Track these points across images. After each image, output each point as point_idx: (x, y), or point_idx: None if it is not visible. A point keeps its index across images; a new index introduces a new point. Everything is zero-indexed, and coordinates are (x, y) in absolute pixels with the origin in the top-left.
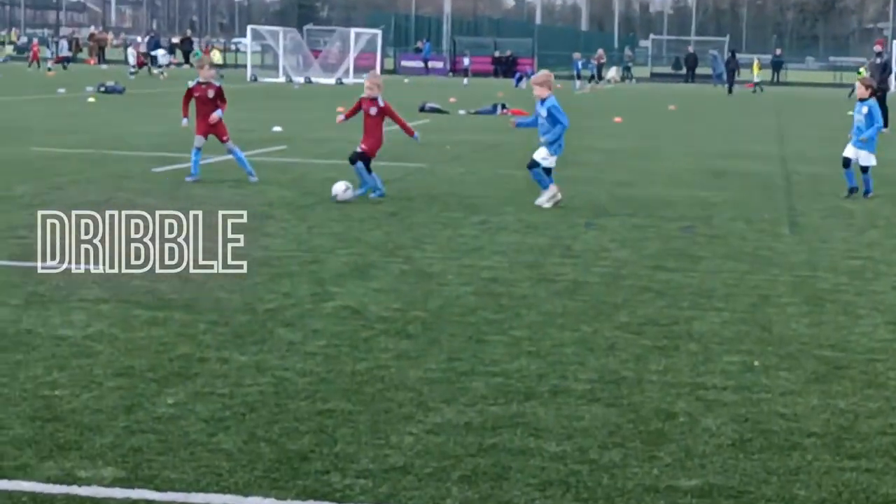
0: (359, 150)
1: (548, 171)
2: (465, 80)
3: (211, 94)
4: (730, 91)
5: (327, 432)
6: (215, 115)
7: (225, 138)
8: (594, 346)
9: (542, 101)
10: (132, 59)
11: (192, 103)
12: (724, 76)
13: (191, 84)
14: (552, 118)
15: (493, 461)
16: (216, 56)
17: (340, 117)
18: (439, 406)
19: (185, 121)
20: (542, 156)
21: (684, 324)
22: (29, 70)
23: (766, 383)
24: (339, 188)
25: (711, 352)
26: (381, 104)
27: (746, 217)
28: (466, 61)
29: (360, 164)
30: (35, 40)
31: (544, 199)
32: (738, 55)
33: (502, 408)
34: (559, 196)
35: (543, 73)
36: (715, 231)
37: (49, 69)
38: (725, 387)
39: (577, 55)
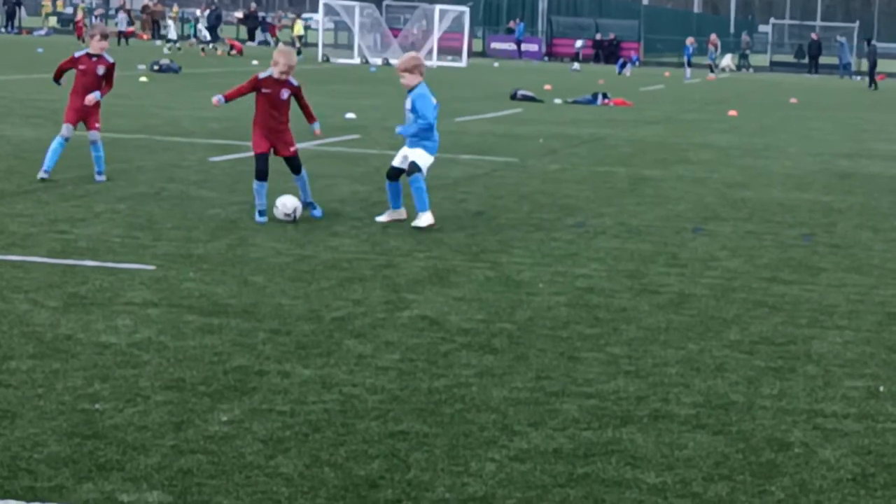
0: (291, 151)
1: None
2: (576, 65)
3: (101, 70)
4: (874, 86)
5: (399, 457)
6: (92, 97)
7: (97, 125)
8: (700, 367)
9: (410, 90)
10: (172, 34)
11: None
12: (851, 66)
13: (77, 53)
14: (417, 111)
15: (585, 493)
16: (298, 29)
17: (218, 98)
18: (525, 430)
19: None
20: (421, 158)
21: (802, 343)
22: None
23: (892, 412)
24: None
25: (832, 375)
26: (295, 84)
27: (874, 225)
28: (579, 43)
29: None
30: (80, 14)
31: (385, 218)
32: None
33: (596, 433)
34: (403, 215)
35: (410, 55)
36: (838, 240)
37: None
38: (847, 415)
39: (690, 40)
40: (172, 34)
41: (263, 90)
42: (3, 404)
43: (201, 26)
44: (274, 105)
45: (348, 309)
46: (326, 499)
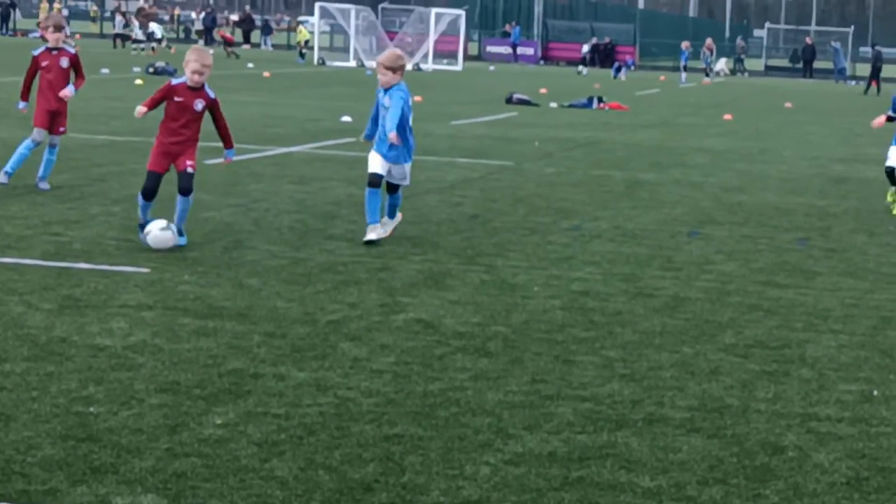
0: (189, 169)
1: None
2: (585, 70)
3: (64, 62)
4: (876, 90)
5: (394, 460)
6: (68, 91)
7: (62, 129)
8: (695, 370)
9: (387, 89)
10: (139, 35)
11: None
12: (846, 71)
13: (36, 51)
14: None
15: (580, 496)
16: (304, 34)
17: (141, 108)
18: (520, 433)
19: (22, 104)
20: (403, 175)
21: (796, 347)
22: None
23: (886, 415)
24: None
25: (826, 379)
26: (212, 96)
27: (869, 229)
28: (585, 48)
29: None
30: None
31: (389, 229)
32: (862, 49)
33: (591, 437)
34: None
35: (397, 54)
36: (833, 244)
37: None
38: (841, 418)
39: (685, 44)
40: (139, 35)
41: (175, 98)
42: None
43: (155, 26)
44: (185, 116)
45: (343, 312)
46: (321, 502)
